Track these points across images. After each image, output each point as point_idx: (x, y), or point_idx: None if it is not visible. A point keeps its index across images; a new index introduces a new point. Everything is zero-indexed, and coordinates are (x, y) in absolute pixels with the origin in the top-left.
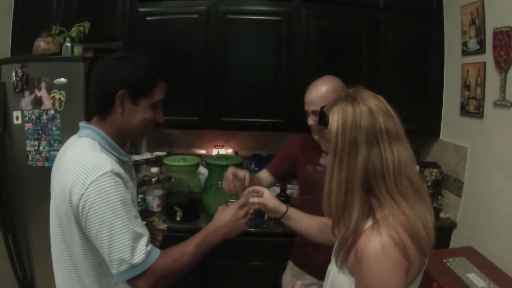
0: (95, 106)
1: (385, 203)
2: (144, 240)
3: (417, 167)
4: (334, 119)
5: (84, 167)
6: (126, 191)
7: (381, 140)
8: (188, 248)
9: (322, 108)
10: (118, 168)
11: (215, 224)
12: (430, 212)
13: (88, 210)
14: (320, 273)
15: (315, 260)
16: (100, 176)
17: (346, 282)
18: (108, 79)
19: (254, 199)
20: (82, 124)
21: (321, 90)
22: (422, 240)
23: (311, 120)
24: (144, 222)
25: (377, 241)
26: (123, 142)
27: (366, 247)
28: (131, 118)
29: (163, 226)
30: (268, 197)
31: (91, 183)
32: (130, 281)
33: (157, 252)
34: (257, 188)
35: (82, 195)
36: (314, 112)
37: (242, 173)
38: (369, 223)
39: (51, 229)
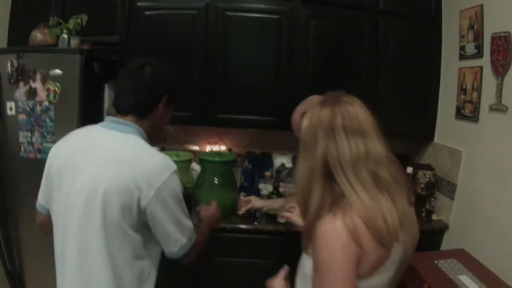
0: (139, 104)
1: (346, 193)
2: (189, 224)
3: (410, 168)
4: (304, 121)
5: (157, 166)
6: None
7: (337, 135)
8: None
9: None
10: None
11: (207, 222)
12: (400, 208)
13: (160, 204)
14: None
15: None
16: (171, 174)
17: (310, 265)
18: (159, 83)
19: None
20: (121, 121)
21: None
22: (380, 231)
23: None
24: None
25: (330, 223)
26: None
27: (320, 227)
28: (163, 119)
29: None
30: (254, 200)
31: (165, 180)
32: (183, 255)
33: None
34: (247, 198)
35: (158, 188)
36: None
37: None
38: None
39: (71, 221)
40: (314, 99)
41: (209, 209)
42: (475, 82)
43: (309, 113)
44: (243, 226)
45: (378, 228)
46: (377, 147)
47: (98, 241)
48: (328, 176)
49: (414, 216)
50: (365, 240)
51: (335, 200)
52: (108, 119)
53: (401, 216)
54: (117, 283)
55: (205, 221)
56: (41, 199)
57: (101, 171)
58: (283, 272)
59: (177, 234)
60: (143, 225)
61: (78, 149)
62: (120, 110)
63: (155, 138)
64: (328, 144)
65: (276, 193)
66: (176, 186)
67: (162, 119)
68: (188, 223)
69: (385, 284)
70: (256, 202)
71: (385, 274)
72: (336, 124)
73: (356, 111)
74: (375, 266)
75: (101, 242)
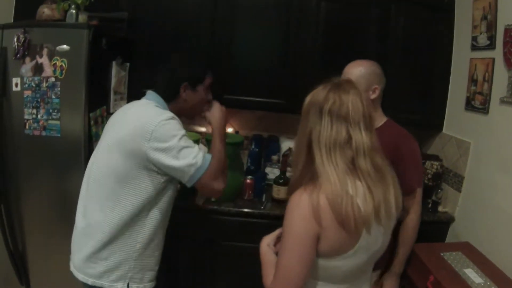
0: (162, 92)
1: (318, 171)
2: (196, 148)
3: None
4: (307, 98)
5: (147, 120)
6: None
7: (324, 117)
8: (215, 147)
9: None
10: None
11: (215, 125)
12: (377, 200)
13: (156, 151)
14: None
15: None
16: (159, 123)
17: None
18: (174, 74)
19: None
20: (150, 92)
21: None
22: (343, 215)
23: None
24: None
25: (298, 195)
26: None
27: (291, 198)
28: (192, 102)
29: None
30: None
31: (160, 121)
32: (198, 182)
33: (209, 155)
34: None
35: (149, 139)
36: None
37: None
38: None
39: (89, 166)
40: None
41: (213, 113)
42: (487, 74)
43: (312, 92)
44: (248, 210)
45: (341, 212)
46: (361, 137)
47: (98, 179)
48: (310, 153)
49: (395, 208)
50: (325, 218)
51: (312, 177)
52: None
53: (377, 207)
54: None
55: (214, 131)
56: None
57: (112, 130)
58: (277, 231)
59: (180, 163)
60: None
61: (110, 119)
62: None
63: (191, 117)
64: (315, 124)
65: (282, 177)
66: (166, 130)
67: (191, 101)
68: (190, 153)
69: (353, 270)
70: None
71: (352, 260)
72: (326, 107)
73: (349, 99)
74: (336, 247)
75: (98, 182)
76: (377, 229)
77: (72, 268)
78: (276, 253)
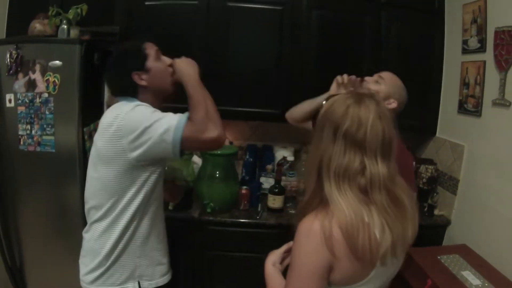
0: (122, 91)
1: (330, 198)
2: (168, 115)
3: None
4: (326, 105)
5: (121, 105)
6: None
7: (337, 139)
8: (194, 97)
9: (329, 96)
10: None
11: (187, 77)
12: (396, 235)
13: (130, 130)
14: None
15: None
16: (135, 106)
17: None
18: (120, 72)
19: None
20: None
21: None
22: (358, 245)
23: None
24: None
25: (310, 222)
26: (159, 103)
27: (301, 224)
28: (155, 81)
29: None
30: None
31: (125, 113)
32: (184, 141)
33: (186, 113)
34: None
35: (123, 118)
36: None
37: None
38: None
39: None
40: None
41: (179, 68)
42: (478, 77)
43: (331, 101)
44: (244, 220)
45: (357, 245)
46: (377, 168)
47: (92, 173)
48: (320, 177)
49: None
50: (339, 249)
51: (323, 201)
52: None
53: (394, 243)
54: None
55: (187, 83)
56: None
57: (93, 145)
58: (285, 246)
59: (156, 134)
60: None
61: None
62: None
63: (168, 91)
64: (327, 146)
65: (277, 186)
66: (134, 117)
67: (153, 81)
68: (162, 123)
69: None
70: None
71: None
72: (342, 129)
73: (369, 121)
74: (348, 277)
75: (93, 175)
76: (391, 260)
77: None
78: (283, 272)
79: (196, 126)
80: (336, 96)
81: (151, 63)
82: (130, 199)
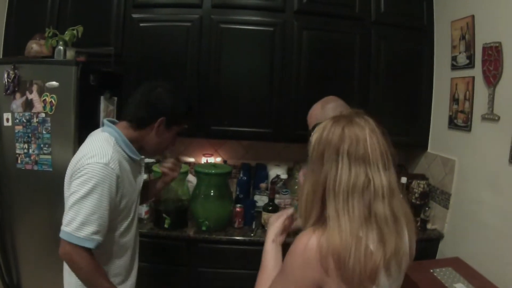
0: (135, 117)
1: (330, 221)
2: (94, 228)
3: (404, 178)
4: (314, 135)
5: (89, 151)
6: (112, 186)
7: (340, 159)
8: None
9: (315, 125)
10: (117, 166)
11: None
12: (389, 251)
13: (75, 179)
14: None
15: None
16: (97, 163)
17: None
18: (156, 105)
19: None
20: (106, 121)
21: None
22: (346, 271)
23: None
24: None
25: (307, 237)
26: (138, 148)
27: (298, 238)
28: (159, 138)
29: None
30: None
31: (88, 164)
32: (62, 243)
33: (94, 246)
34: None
35: (78, 169)
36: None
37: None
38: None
39: None
40: (330, 103)
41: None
42: (467, 92)
43: (321, 128)
44: (239, 238)
45: (344, 267)
46: (380, 179)
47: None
48: (323, 198)
49: (410, 253)
50: (332, 268)
51: (320, 219)
52: (105, 120)
53: (387, 259)
54: None
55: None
56: None
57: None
58: (284, 214)
59: (70, 211)
60: None
61: None
62: (121, 115)
63: (152, 152)
64: (331, 168)
65: (271, 204)
66: (98, 173)
67: (157, 138)
68: (89, 227)
69: None
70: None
71: None
72: (343, 148)
73: (365, 136)
74: None
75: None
76: (387, 281)
77: None
78: (282, 246)
79: (73, 253)
80: (322, 124)
81: (174, 128)
82: None
